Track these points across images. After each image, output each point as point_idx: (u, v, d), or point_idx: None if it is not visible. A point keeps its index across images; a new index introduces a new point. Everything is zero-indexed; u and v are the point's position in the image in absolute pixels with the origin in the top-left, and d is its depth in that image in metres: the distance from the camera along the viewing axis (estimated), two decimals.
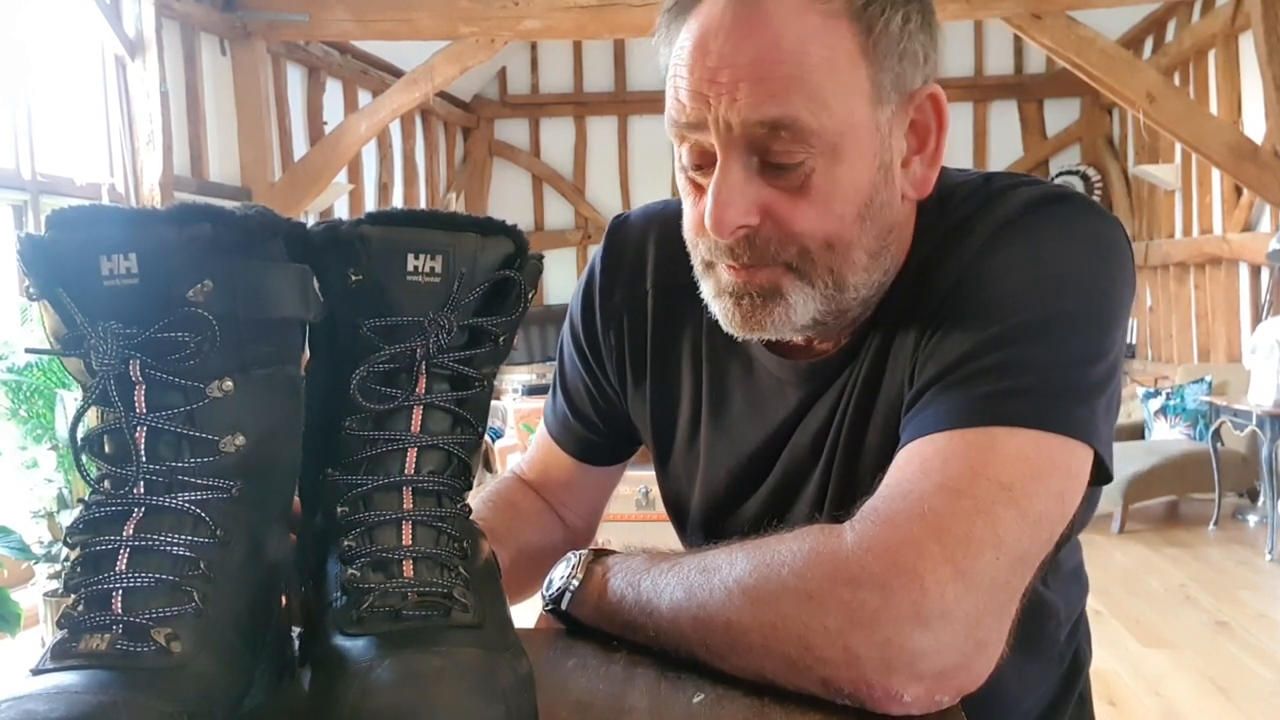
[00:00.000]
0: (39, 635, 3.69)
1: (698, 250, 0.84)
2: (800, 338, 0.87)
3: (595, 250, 1.06)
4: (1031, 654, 0.90)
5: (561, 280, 9.08)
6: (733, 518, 0.96)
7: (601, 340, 1.03)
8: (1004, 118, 9.14)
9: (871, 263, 0.82)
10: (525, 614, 0.88)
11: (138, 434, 0.58)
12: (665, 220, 0.99)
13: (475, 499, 0.99)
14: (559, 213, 9.56)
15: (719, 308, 0.84)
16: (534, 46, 9.22)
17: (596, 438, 1.08)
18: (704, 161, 0.80)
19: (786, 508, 0.92)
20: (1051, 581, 0.92)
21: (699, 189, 0.82)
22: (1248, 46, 5.89)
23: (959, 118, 8.97)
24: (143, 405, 0.58)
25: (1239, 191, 6.37)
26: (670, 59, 0.80)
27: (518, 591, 0.96)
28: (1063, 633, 0.98)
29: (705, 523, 0.98)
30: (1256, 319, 6.16)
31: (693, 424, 0.98)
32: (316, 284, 0.63)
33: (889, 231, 0.83)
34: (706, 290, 0.86)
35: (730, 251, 0.80)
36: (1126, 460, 5.47)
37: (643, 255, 1.01)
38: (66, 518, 3.65)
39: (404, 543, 0.62)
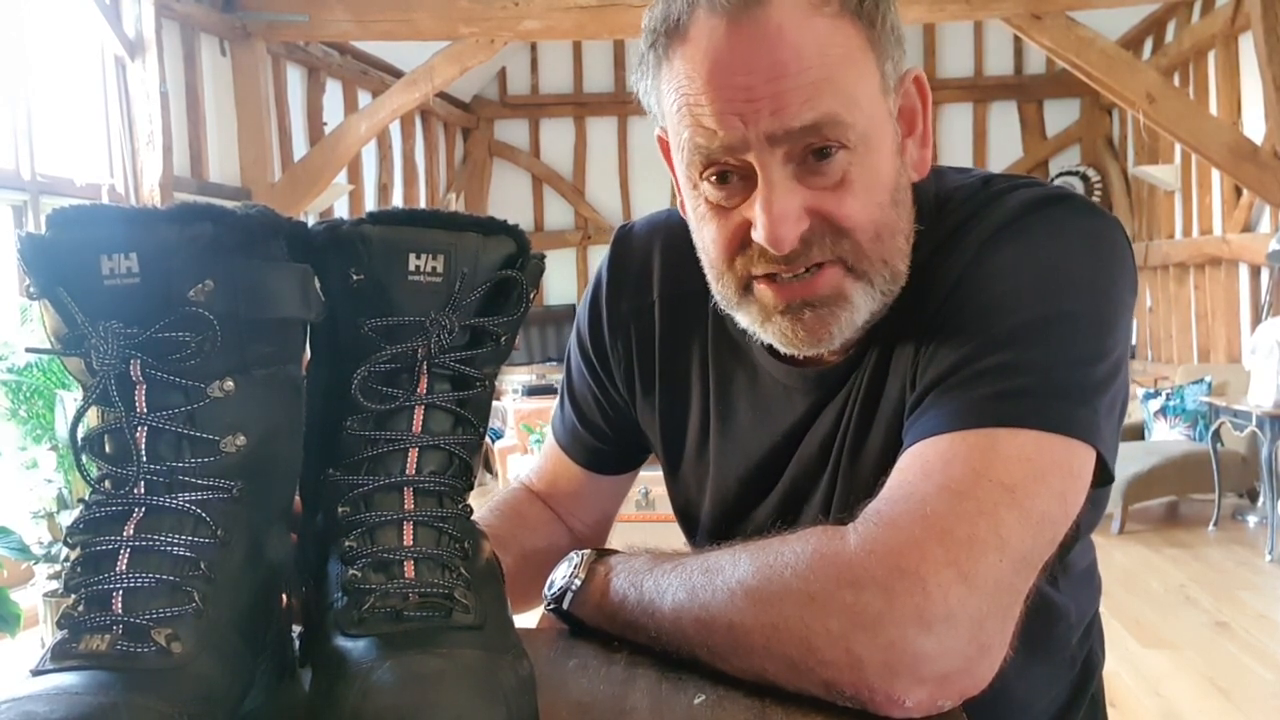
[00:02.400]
0: (39, 635, 3.69)
1: (730, 273, 0.83)
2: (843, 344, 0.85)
3: (601, 260, 1.06)
4: (1040, 657, 0.90)
5: (561, 281, 9.08)
6: (742, 525, 0.95)
7: (609, 350, 1.03)
8: (1004, 118, 9.14)
9: (907, 246, 0.83)
10: (527, 615, 0.88)
11: (138, 434, 0.58)
12: (670, 229, 0.99)
13: (482, 508, 0.99)
14: (559, 213, 9.55)
15: (773, 330, 0.83)
16: (534, 47, 9.22)
17: (605, 447, 1.08)
18: (728, 182, 0.79)
19: (795, 513, 0.92)
20: (1062, 584, 0.92)
21: (722, 210, 0.81)
22: (1247, 47, 5.89)
23: (959, 118, 8.98)
24: (143, 405, 0.58)
25: (1239, 192, 6.37)
26: (673, 91, 0.79)
27: (522, 599, 0.95)
28: (1074, 636, 0.97)
29: (715, 530, 0.98)
30: (1256, 319, 6.16)
31: (702, 432, 0.98)
32: (318, 284, 0.63)
33: (910, 213, 0.84)
34: (748, 318, 0.84)
35: (785, 260, 0.79)
36: (1126, 460, 5.47)
37: (649, 265, 1.00)
38: (66, 518, 3.65)
39: (405, 543, 0.62)
